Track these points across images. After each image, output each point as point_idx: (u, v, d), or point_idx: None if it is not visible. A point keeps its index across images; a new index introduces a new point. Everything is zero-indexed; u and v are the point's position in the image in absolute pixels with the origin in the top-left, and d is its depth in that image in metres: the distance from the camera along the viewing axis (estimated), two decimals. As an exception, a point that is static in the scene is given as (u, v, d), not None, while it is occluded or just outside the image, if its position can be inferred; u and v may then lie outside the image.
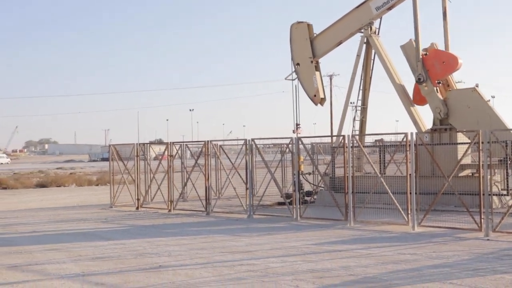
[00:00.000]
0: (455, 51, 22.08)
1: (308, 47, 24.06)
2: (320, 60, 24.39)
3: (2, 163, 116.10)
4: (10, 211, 22.93)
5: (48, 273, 10.90)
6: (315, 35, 24.08)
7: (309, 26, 24.16)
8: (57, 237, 15.66)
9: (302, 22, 24.32)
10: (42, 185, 39.30)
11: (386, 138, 24.54)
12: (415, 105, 22.37)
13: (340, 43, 23.68)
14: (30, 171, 61.27)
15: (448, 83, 22.17)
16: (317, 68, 24.27)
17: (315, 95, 24.17)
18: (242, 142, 20.81)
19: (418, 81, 21.20)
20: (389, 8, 22.23)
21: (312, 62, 24.08)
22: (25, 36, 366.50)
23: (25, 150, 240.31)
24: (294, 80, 24.73)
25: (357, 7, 22.80)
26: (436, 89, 21.37)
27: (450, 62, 21.55)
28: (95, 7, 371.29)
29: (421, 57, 21.45)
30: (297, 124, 25.15)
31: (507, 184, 19.03)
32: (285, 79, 25.00)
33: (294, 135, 24.06)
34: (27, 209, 23.70)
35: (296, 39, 24.38)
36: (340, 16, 23.38)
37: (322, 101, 24.45)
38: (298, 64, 24.38)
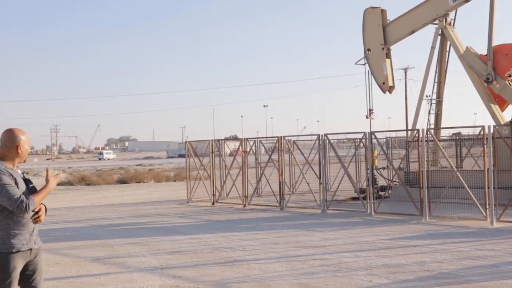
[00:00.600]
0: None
1: (380, 33, 23.67)
2: (391, 48, 24.00)
3: (109, 159, 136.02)
4: (93, 206, 23.65)
5: (129, 266, 11.17)
6: (388, 21, 23.67)
7: (383, 12, 23.74)
8: (137, 231, 16.02)
9: (376, 7, 23.87)
10: (122, 181, 40.38)
11: (464, 132, 23.98)
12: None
13: (413, 32, 23.23)
14: (111, 167, 63.04)
15: None
16: (388, 55, 23.87)
17: (383, 83, 23.80)
18: (315, 137, 20.74)
19: (487, 81, 20.52)
20: (467, 0, 21.64)
21: (383, 49, 23.69)
22: (105, 35, 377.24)
23: (107, 147, 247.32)
24: (364, 64, 24.40)
25: None
26: (509, 83, 20.69)
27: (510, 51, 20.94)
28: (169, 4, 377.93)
29: (481, 58, 20.92)
30: (370, 110, 24.82)
31: None
32: (355, 63, 24.69)
33: (368, 120, 23.94)
34: (109, 204, 24.39)
35: (368, 24, 24.01)
36: (416, 4, 22.94)
37: (390, 89, 24.05)
38: (369, 50, 24.03)
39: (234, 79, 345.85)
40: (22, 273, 5.83)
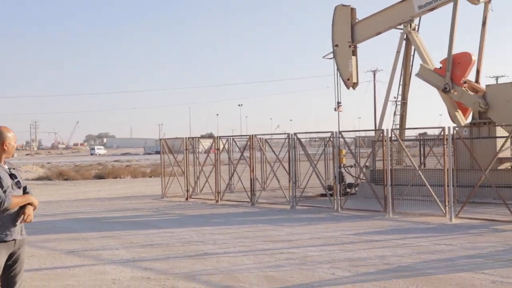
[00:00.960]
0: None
1: (349, 31, 23.77)
2: (358, 46, 24.08)
3: (100, 154, 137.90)
4: (70, 201, 23.52)
5: (102, 258, 11.16)
6: (357, 20, 23.79)
7: (352, 11, 23.78)
8: (111, 225, 15.99)
9: (346, 5, 23.88)
10: (100, 177, 40.10)
11: (429, 132, 24.27)
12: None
13: (379, 33, 23.40)
14: (89, 163, 62.56)
15: (476, 80, 21.73)
16: (354, 52, 23.96)
17: (348, 79, 23.98)
18: (285, 136, 20.85)
19: (445, 91, 20.70)
20: (431, 9, 21.87)
21: (350, 46, 23.78)
22: (85, 33, 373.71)
23: (86, 143, 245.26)
24: (332, 59, 24.47)
25: (400, 1, 22.50)
26: (466, 89, 20.98)
27: (463, 60, 21.25)
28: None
29: (435, 71, 21.32)
30: (339, 103, 24.96)
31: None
32: (323, 57, 24.78)
33: (338, 118, 24.17)
34: (86, 199, 24.27)
35: (338, 21, 24.04)
36: (383, 7, 23.09)
37: (354, 85, 24.16)
38: (336, 45, 24.12)
39: (210, 78, 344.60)
40: (4, 263, 5.88)
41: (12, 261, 5.92)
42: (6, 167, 5.92)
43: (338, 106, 24.88)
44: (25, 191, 6.03)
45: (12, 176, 5.92)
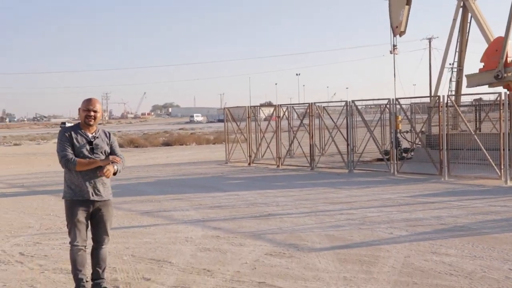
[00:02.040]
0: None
1: None
2: None
3: (199, 121, 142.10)
4: (141, 166, 24.17)
5: (174, 219, 11.51)
6: None
7: None
8: (180, 189, 16.40)
9: None
10: (167, 144, 40.97)
11: (485, 98, 23.73)
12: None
13: None
14: (157, 131, 63.76)
15: None
16: (408, 2, 23.59)
17: (397, 27, 23.73)
18: (343, 103, 20.81)
19: (497, 78, 20.23)
20: None
21: None
22: (151, 12, 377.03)
23: (152, 113, 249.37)
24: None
25: None
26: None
27: (499, 45, 20.71)
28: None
29: (480, 72, 20.99)
30: (394, 45, 24.73)
31: None
32: None
33: (393, 86, 24.00)
34: (156, 165, 24.92)
35: None
36: None
37: (401, 33, 23.94)
38: None
39: (268, 49, 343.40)
40: (91, 220, 6.27)
41: (96, 219, 6.30)
42: (90, 135, 6.21)
43: (394, 49, 24.66)
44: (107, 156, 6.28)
45: (90, 143, 6.18)
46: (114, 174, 6.25)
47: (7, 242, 9.76)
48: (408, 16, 23.83)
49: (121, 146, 38.90)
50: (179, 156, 29.85)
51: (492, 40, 21.80)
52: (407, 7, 23.47)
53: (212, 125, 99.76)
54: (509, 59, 20.41)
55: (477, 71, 21.86)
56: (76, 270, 6.18)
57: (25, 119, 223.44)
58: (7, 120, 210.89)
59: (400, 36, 24.07)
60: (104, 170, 6.06)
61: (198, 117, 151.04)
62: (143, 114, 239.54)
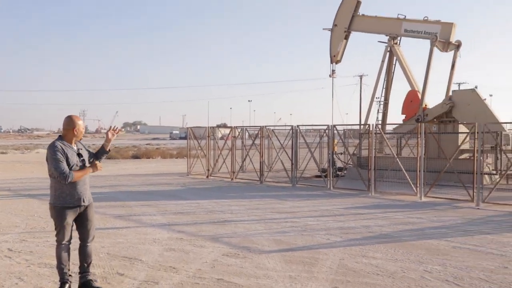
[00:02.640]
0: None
1: (349, 19, 23.92)
2: (351, 33, 24.33)
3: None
4: (113, 176, 23.71)
5: (143, 222, 11.38)
6: (359, 14, 23.81)
7: (358, 4, 23.83)
8: (148, 196, 16.21)
9: None
10: (136, 157, 40.30)
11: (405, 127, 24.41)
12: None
13: (369, 32, 23.70)
14: (126, 145, 62.71)
15: None
16: (346, 37, 24.27)
17: (334, 56, 24.47)
18: (289, 127, 21.05)
19: (418, 121, 20.85)
20: (413, 37, 22.09)
21: (345, 31, 24.03)
22: (122, 37, 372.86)
23: (123, 129, 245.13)
24: (329, 30, 24.77)
25: (394, 18, 22.62)
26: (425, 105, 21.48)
27: (413, 97, 22.06)
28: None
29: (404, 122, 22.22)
30: (333, 70, 25.24)
31: (496, 166, 18.84)
32: (323, 29, 25.26)
33: (330, 114, 24.48)
34: (126, 175, 24.51)
35: (344, 7, 24.17)
36: (382, 14, 23.73)
37: (337, 61, 24.89)
38: (336, 25, 24.36)
39: (224, 78, 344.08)
40: (77, 222, 6.21)
41: (82, 221, 6.25)
42: (75, 147, 6.19)
43: (332, 73, 25.22)
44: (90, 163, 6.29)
45: (79, 155, 6.18)
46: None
47: (-5, 240, 9.49)
48: (344, 49, 24.57)
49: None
50: (146, 168, 29.47)
51: (411, 85, 22.55)
52: (344, 41, 24.29)
53: (175, 141, 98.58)
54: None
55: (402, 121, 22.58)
56: (61, 265, 6.11)
57: (11, 131, 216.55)
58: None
59: (336, 63, 24.91)
60: (99, 168, 6.22)
61: (176, 133, 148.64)
62: (114, 128, 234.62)
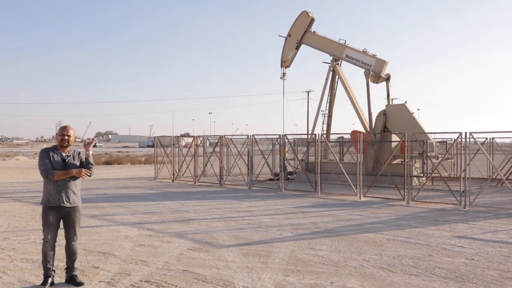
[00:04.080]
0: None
1: (301, 33, 24.26)
2: (302, 45, 24.68)
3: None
4: (88, 180, 23.14)
5: (116, 221, 11.25)
6: (311, 30, 24.14)
7: (312, 21, 24.13)
8: (120, 198, 15.98)
9: (310, 14, 24.11)
10: (108, 163, 39.60)
11: (346, 136, 24.84)
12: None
13: (316, 48, 24.08)
14: (99, 153, 61.42)
15: None
16: (297, 47, 24.66)
17: (285, 61, 24.90)
18: (245, 136, 21.15)
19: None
20: (352, 63, 22.64)
21: (296, 42, 24.40)
22: (95, 45, 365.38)
23: (96, 139, 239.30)
24: (284, 37, 24.95)
25: (339, 43, 23.08)
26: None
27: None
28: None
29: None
30: (284, 73, 25.55)
31: (423, 169, 19.47)
32: (279, 35, 25.50)
33: (281, 124, 24.73)
34: (99, 179, 24.06)
35: (299, 21, 24.39)
36: (329, 35, 23.99)
37: (287, 66, 25.11)
38: (290, 35, 24.66)
39: (187, 91, 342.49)
40: (64, 222, 6.08)
41: (66, 221, 6.12)
42: (63, 154, 6.06)
43: (283, 76, 25.55)
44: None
45: (63, 161, 6.02)
46: (89, 176, 6.19)
47: (-22, 239, 9.17)
48: (293, 57, 25.03)
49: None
50: (117, 173, 28.97)
51: (351, 99, 22.93)
52: (295, 50, 24.72)
53: (143, 149, 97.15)
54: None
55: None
56: (45, 261, 6.00)
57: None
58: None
59: (286, 67, 25.23)
60: (82, 174, 6.06)
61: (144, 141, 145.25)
62: (88, 139, 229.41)
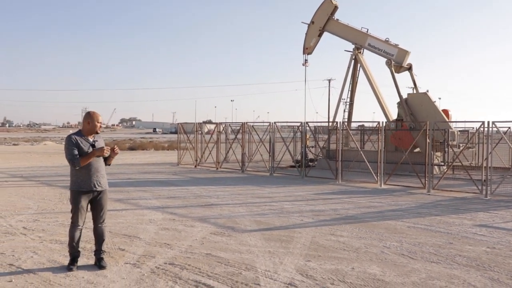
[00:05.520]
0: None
1: (324, 20, 23.94)
2: (325, 33, 24.37)
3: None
4: (113, 165, 23.16)
5: (140, 205, 11.38)
6: (334, 18, 23.83)
7: (335, 8, 23.78)
8: (144, 183, 16.17)
9: (333, 2, 23.74)
10: (132, 148, 40.05)
11: (367, 125, 24.67)
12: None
13: (339, 36, 23.72)
14: (124, 139, 62.22)
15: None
16: (320, 35, 24.33)
17: (307, 48, 24.59)
18: (267, 124, 21.14)
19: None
20: (374, 52, 22.26)
21: (319, 30, 24.11)
22: (112, 40, 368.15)
23: (120, 125, 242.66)
24: (307, 24, 24.70)
25: (362, 32, 22.74)
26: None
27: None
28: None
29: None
30: (306, 60, 25.31)
31: (444, 158, 19.20)
32: (302, 22, 25.24)
33: (303, 112, 24.59)
34: (124, 164, 24.37)
35: (323, 8, 24.04)
36: (353, 24, 23.68)
37: (309, 53, 24.80)
38: (313, 22, 24.38)
39: (209, 79, 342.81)
40: (92, 205, 6.16)
41: (95, 204, 6.19)
42: (91, 140, 6.10)
43: (305, 62, 25.31)
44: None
45: (93, 146, 6.06)
46: (110, 154, 6.16)
47: (12, 219, 9.43)
48: (316, 44, 24.70)
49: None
50: (141, 159, 29.28)
51: (373, 88, 22.63)
52: (318, 38, 24.40)
53: (166, 135, 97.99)
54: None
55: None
56: (72, 242, 6.08)
57: (21, 125, 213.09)
58: (7, 125, 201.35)
59: (308, 54, 24.88)
60: (104, 152, 6.00)
61: (159, 130, 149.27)
62: (113, 125, 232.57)
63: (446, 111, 21.61)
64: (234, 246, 7.41)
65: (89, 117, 6.10)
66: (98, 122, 6.10)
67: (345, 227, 9.01)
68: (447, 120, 19.82)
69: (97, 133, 6.13)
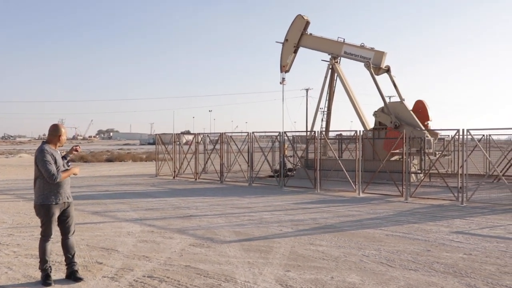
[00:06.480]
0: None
1: (298, 36, 24.23)
2: (300, 49, 24.64)
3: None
4: (90, 177, 23.25)
5: (118, 217, 11.23)
6: (307, 32, 24.10)
7: (307, 24, 24.11)
8: (121, 195, 15.97)
9: (305, 18, 24.07)
10: (109, 160, 39.48)
11: (344, 134, 24.88)
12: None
13: (315, 49, 23.99)
14: (101, 150, 61.39)
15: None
16: (295, 51, 24.61)
17: (284, 66, 24.82)
18: (245, 134, 21.13)
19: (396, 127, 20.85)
20: (351, 59, 22.57)
21: (294, 46, 24.33)
22: (96, 44, 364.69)
23: (97, 136, 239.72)
24: (281, 42, 24.93)
25: (336, 41, 23.02)
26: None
27: (422, 108, 21.52)
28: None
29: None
30: (283, 78, 25.47)
31: (421, 166, 19.46)
32: (276, 42, 25.55)
33: (281, 122, 24.64)
34: (101, 176, 24.06)
35: (295, 25, 24.35)
36: (326, 35, 24.14)
37: (286, 71, 25.07)
38: (287, 40, 24.60)
39: (188, 90, 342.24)
40: (60, 218, 6.08)
41: (65, 217, 6.13)
42: (59, 152, 6.12)
43: (282, 81, 25.48)
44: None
45: (64, 158, 6.15)
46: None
47: (-18, 235, 9.17)
48: (292, 61, 24.97)
49: (72, 161, 37.13)
50: (119, 170, 28.94)
51: (350, 97, 22.88)
52: (293, 54, 24.67)
53: (144, 147, 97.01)
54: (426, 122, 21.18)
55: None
56: (45, 257, 5.98)
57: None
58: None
59: (286, 72, 25.15)
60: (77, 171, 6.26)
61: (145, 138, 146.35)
62: (90, 136, 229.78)
63: (421, 102, 21.75)
64: (213, 258, 7.36)
65: (60, 130, 6.10)
66: (64, 135, 6.14)
67: (324, 237, 9.03)
68: (423, 128, 20.13)
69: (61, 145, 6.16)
